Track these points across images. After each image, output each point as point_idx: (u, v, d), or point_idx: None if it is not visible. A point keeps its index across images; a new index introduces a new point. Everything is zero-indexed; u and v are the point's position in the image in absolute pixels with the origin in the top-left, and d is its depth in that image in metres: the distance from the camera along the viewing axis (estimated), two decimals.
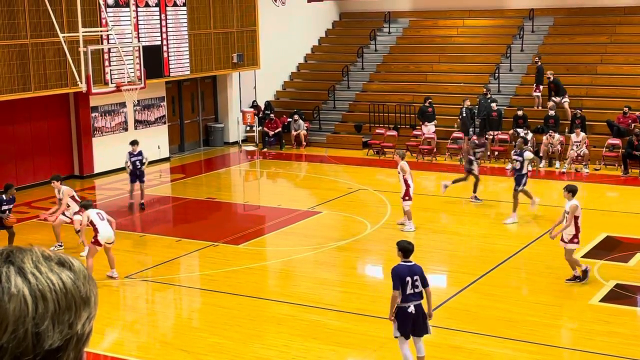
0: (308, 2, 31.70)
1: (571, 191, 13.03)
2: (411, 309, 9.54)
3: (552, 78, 25.26)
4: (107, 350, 11.02)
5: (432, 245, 15.83)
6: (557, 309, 12.11)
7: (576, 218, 12.91)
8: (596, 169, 22.80)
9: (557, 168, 23.14)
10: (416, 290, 9.58)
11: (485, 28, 30.39)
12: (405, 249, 9.77)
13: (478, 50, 28.98)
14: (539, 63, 26.05)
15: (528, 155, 17.47)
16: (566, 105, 24.85)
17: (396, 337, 9.71)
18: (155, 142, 24.79)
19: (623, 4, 28.52)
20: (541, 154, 23.42)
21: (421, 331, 9.74)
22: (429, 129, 25.28)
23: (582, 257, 14.61)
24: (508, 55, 28.09)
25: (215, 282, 13.81)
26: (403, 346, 9.73)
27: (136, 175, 18.71)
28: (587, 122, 24.02)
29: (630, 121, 23.64)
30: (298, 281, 13.94)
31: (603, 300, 12.49)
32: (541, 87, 25.57)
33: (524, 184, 17.29)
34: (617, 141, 23.16)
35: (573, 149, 22.98)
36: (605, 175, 22.14)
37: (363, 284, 14.06)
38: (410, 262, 9.75)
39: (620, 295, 12.71)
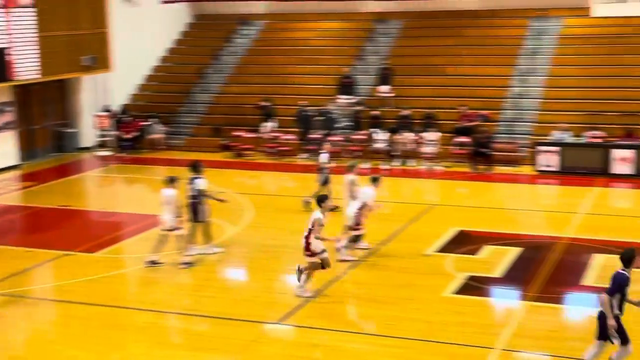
0: (162, 2, 31.24)
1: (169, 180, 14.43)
2: None
3: (346, 75, 26.58)
4: None
5: (293, 245, 15.99)
6: (412, 302, 12.49)
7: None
8: (447, 166, 23.73)
9: (412, 166, 23.90)
10: None
11: (338, 31, 30.95)
12: None
13: (332, 53, 29.49)
14: (386, 65, 27.03)
15: (201, 183, 14.96)
16: (358, 107, 26.01)
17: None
18: (2, 149, 23.75)
19: (468, 7, 29.79)
20: (397, 153, 24.18)
21: None
22: (266, 127, 26.02)
23: (438, 252, 15.16)
24: (361, 57, 28.74)
25: (71, 292, 13.37)
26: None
27: None
28: (437, 122, 24.95)
29: (475, 117, 24.70)
30: (158, 287, 13.71)
31: (456, 292, 13.00)
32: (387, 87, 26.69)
33: (204, 217, 15.00)
34: (465, 139, 24.16)
35: (427, 147, 23.84)
36: (456, 172, 23.07)
37: (224, 287, 14.01)
38: None
39: (472, 286, 13.26)
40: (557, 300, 12.64)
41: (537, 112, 25.52)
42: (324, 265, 12.68)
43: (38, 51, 23.83)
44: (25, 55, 23.45)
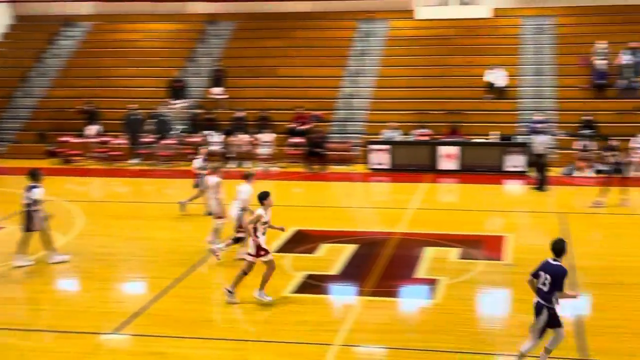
0: None
1: None
2: None
3: (177, 78, 26.84)
4: None
5: (128, 252, 15.57)
6: (252, 303, 12.47)
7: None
8: (282, 167, 23.93)
9: (247, 168, 23.90)
10: None
11: (168, 32, 30.53)
12: None
13: (163, 54, 29.05)
14: (218, 66, 27.00)
15: (38, 192, 14.34)
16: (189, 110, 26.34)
17: None
18: None
19: (298, 9, 30.19)
20: (233, 155, 24.14)
21: None
22: (91, 131, 25.55)
23: (276, 252, 15.22)
24: (193, 59, 28.45)
25: None
26: None
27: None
28: (272, 123, 25.13)
29: (308, 118, 25.11)
30: None
31: (295, 291, 13.10)
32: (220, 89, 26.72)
33: (41, 225, 14.46)
34: (300, 140, 24.48)
35: (262, 149, 23.97)
36: (291, 173, 23.30)
37: (56, 299, 13.40)
38: None
39: (310, 285, 13.42)
40: (392, 294, 13.01)
41: (368, 111, 26.25)
42: (250, 269, 12.30)
43: None
44: None
